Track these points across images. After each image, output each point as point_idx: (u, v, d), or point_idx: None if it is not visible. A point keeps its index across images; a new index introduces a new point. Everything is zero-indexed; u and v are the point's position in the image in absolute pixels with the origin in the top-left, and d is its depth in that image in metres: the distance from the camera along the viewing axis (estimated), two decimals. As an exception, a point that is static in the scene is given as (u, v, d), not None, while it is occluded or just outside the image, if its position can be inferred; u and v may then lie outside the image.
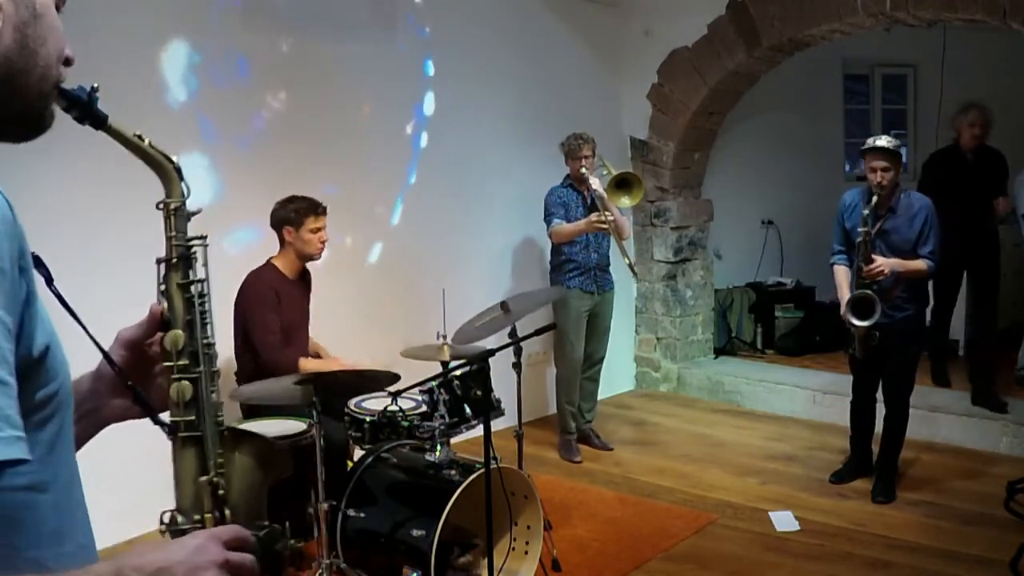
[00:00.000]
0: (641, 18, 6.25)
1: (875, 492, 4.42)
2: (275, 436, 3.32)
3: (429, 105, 5.13)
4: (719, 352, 6.86)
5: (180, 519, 1.11)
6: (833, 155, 8.03)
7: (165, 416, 1.18)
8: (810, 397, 5.88)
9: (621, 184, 5.01)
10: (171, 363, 1.14)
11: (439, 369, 3.59)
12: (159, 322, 1.16)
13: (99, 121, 1.08)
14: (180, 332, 1.15)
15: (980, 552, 3.78)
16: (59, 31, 0.95)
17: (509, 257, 5.75)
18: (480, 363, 3.32)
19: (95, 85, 1.06)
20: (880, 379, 4.49)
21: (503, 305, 3.58)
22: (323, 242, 3.83)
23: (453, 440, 3.45)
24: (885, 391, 4.49)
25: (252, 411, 3.65)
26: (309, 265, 3.96)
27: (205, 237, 1.20)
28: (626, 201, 5.04)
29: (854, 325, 4.20)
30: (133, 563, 0.85)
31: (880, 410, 4.55)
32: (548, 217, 5.02)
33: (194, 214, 1.19)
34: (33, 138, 0.97)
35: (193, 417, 1.14)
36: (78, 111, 1.05)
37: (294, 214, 3.76)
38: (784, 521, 4.16)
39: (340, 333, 4.31)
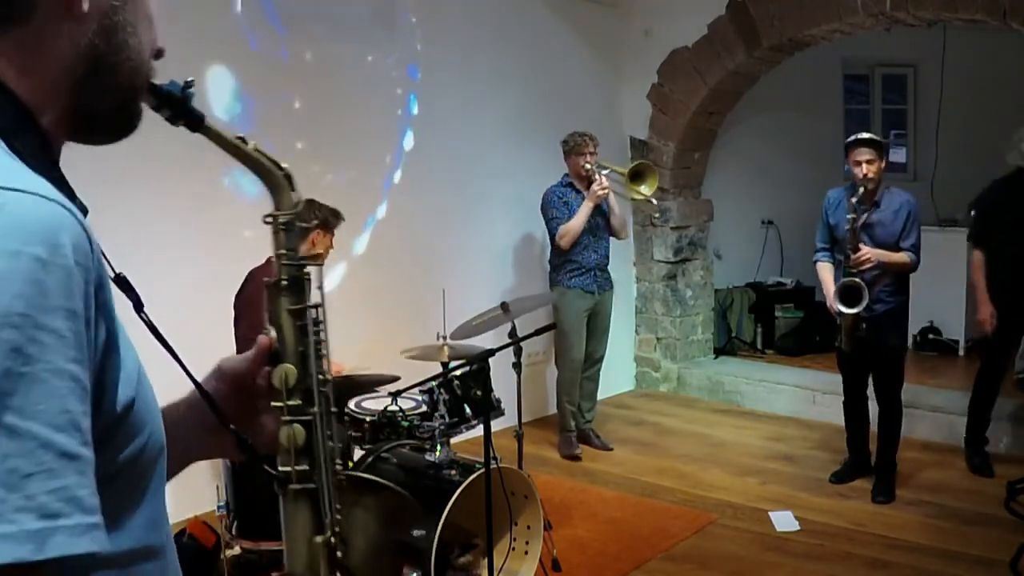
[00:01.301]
0: (641, 18, 6.25)
1: (875, 492, 4.42)
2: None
3: (428, 105, 5.13)
4: (719, 352, 6.86)
5: None
6: (833, 155, 8.00)
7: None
8: (810, 397, 5.88)
9: (635, 177, 5.09)
10: (280, 403, 0.98)
11: (439, 369, 3.59)
12: (267, 354, 1.00)
13: (195, 121, 0.93)
14: (291, 366, 0.99)
15: (980, 552, 3.78)
16: (152, 19, 0.84)
17: (509, 257, 5.75)
18: (480, 363, 3.32)
19: (189, 79, 0.92)
20: (869, 376, 4.50)
21: (503, 306, 3.59)
22: (328, 252, 3.86)
23: (453, 440, 3.45)
24: (876, 388, 4.50)
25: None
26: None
27: (320, 256, 1.09)
28: (645, 190, 5.13)
29: (842, 313, 4.23)
30: None
31: (873, 408, 4.56)
32: (552, 222, 5.00)
33: (310, 229, 1.05)
34: (120, 139, 0.87)
35: (306, 467, 0.98)
36: (171, 110, 0.91)
37: (328, 219, 3.77)
38: (784, 521, 4.16)
39: (340, 334, 4.30)
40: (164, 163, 3.89)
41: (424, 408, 3.44)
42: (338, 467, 1.00)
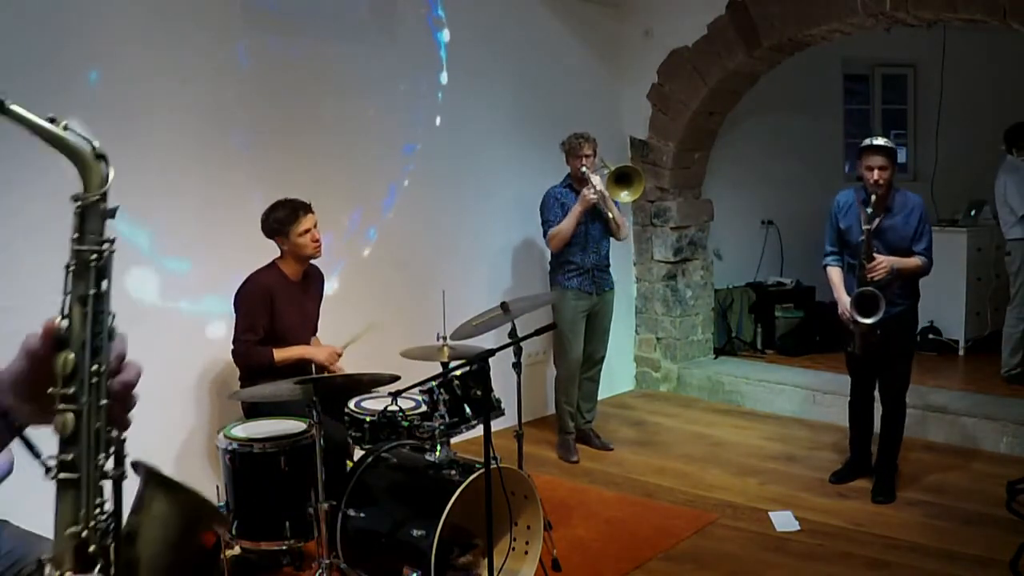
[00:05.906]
0: (641, 18, 6.25)
1: (875, 492, 4.42)
2: (275, 436, 3.32)
3: (427, 105, 5.13)
4: (719, 352, 6.86)
5: (47, 570, 0.94)
6: (833, 155, 8.04)
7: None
8: (810, 397, 5.88)
9: (621, 179, 5.01)
10: (56, 390, 0.95)
11: (439, 369, 3.59)
12: (52, 339, 0.96)
13: None
14: (72, 354, 0.95)
15: (980, 552, 3.78)
16: None
17: (509, 257, 5.75)
18: (480, 363, 3.32)
19: None
20: (877, 378, 4.50)
21: (503, 306, 3.58)
22: (316, 240, 3.78)
23: (453, 440, 3.45)
24: (882, 390, 4.50)
25: (253, 410, 3.65)
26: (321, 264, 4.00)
27: (113, 240, 0.98)
28: (626, 195, 5.04)
29: (858, 323, 4.21)
30: None
31: (878, 409, 4.55)
32: (545, 224, 5.01)
33: (113, 211, 0.99)
34: None
35: (71, 456, 0.94)
36: None
37: (278, 224, 3.72)
38: (784, 521, 4.16)
39: (340, 334, 4.30)
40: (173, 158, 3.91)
41: (424, 408, 3.44)
42: (100, 461, 0.95)
